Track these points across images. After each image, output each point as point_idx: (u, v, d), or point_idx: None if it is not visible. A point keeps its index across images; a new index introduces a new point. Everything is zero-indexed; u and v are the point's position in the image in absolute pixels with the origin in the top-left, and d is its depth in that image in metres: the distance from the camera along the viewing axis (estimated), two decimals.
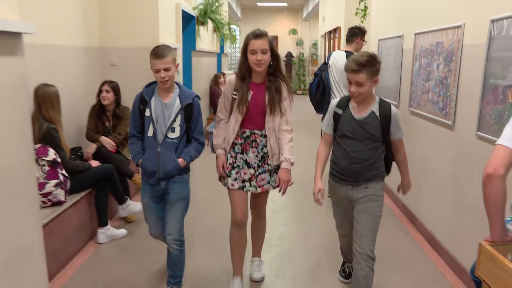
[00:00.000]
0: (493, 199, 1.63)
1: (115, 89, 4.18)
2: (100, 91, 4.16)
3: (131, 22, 4.87)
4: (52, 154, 3.24)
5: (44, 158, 3.19)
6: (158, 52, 2.60)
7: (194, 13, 7.02)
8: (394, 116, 2.51)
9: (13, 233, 2.12)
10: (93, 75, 4.75)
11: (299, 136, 8.56)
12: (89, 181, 3.64)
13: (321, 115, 4.62)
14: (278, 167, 2.78)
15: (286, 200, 4.42)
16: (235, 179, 2.79)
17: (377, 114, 2.50)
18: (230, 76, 2.82)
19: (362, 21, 6.86)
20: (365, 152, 2.51)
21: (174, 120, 2.68)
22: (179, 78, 6.38)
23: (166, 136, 2.69)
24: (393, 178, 3.01)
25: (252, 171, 2.78)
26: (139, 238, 3.75)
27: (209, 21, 7.72)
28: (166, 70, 2.60)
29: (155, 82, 2.76)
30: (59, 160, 3.29)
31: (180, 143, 2.74)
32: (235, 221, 2.85)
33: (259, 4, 16.73)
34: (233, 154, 2.79)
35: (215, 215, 4.27)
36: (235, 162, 2.79)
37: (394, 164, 2.74)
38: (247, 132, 2.76)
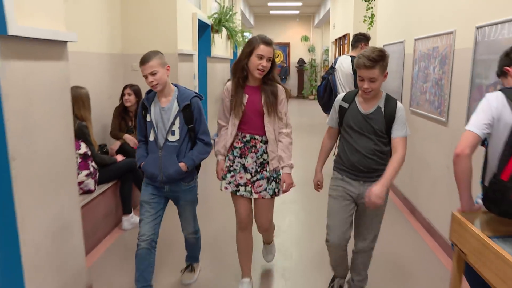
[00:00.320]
0: (461, 174, 1.95)
1: (137, 92, 4.56)
2: (122, 94, 4.54)
3: (152, 30, 5.25)
4: (83, 148, 3.62)
5: (77, 151, 3.57)
6: (142, 59, 2.61)
7: (209, 21, 7.41)
8: (400, 111, 2.47)
9: (60, 209, 2.50)
10: (116, 79, 5.14)
11: (311, 138, 8.85)
12: (115, 173, 4.02)
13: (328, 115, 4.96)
14: (276, 173, 2.79)
15: (295, 194, 4.74)
16: (229, 183, 2.80)
17: (383, 109, 2.48)
18: (227, 83, 2.82)
19: (369, 28, 7.19)
20: (372, 147, 2.48)
21: (173, 123, 2.68)
22: (195, 82, 6.77)
23: (166, 140, 2.69)
24: None
25: (248, 176, 2.77)
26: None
27: (223, 29, 8.10)
28: (153, 74, 2.58)
29: None
30: (89, 153, 3.68)
31: (182, 146, 2.72)
32: (239, 225, 2.90)
33: (271, 12, 17.14)
34: (231, 158, 2.80)
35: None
36: (232, 166, 2.80)
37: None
38: (248, 137, 2.76)
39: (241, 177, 2.78)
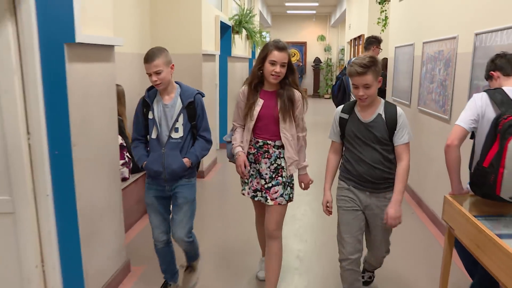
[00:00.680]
0: (451, 162, 2.31)
1: None
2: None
3: (178, 32, 5.64)
4: (119, 140, 4.04)
5: None
6: (147, 56, 2.58)
7: (230, 23, 7.80)
8: (401, 117, 2.45)
9: (106, 190, 2.92)
10: (145, 77, 5.49)
11: (325, 135, 9.22)
12: None
13: None
14: (290, 178, 2.79)
15: (310, 187, 5.12)
16: (249, 188, 2.83)
17: (383, 116, 2.45)
18: (243, 87, 2.80)
19: (383, 30, 7.52)
20: (377, 156, 2.46)
21: (176, 120, 2.65)
22: (216, 80, 7.16)
23: (170, 137, 2.66)
24: None
25: (263, 181, 2.74)
26: (197, 201, 4.49)
27: (243, 30, 8.50)
28: (157, 73, 2.55)
29: None
30: (124, 144, 4.09)
31: (185, 143, 2.70)
32: (257, 218, 3.08)
33: (288, 11, 17.48)
34: (247, 164, 2.80)
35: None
36: (249, 171, 2.81)
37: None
38: (260, 142, 2.73)
39: (257, 183, 2.78)
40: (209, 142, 2.79)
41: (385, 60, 6.62)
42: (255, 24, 9.41)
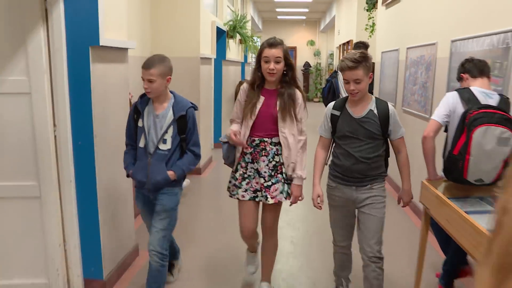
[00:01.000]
0: (427, 151, 2.67)
1: None
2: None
3: (177, 36, 5.96)
4: None
5: None
6: (146, 62, 2.55)
7: (225, 28, 8.15)
8: (392, 112, 2.53)
9: (120, 178, 3.22)
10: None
11: (315, 136, 9.59)
12: None
13: None
14: (291, 178, 2.76)
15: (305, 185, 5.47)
16: (246, 190, 2.72)
17: (375, 111, 2.50)
18: (245, 84, 2.80)
19: (370, 36, 7.91)
20: (367, 151, 2.50)
21: (165, 132, 2.60)
22: (211, 83, 7.49)
23: (157, 148, 2.61)
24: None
25: (262, 180, 2.70)
26: (195, 195, 4.83)
27: (237, 34, 8.84)
28: (150, 81, 2.52)
29: None
30: None
31: (173, 155, 2.64)
32: (243, 237, 2.91)
33: (279, 17, 17.89)
34: (243, 165, 2.74)
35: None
36: (246, 173, 2.73)
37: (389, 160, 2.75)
38: (257, 141, 2.69)
39: (257, 183, 2.72)
40: (197, 157, 2.74)
41: (372, 64, 6.99)
42: (247, 29, 9.76)
